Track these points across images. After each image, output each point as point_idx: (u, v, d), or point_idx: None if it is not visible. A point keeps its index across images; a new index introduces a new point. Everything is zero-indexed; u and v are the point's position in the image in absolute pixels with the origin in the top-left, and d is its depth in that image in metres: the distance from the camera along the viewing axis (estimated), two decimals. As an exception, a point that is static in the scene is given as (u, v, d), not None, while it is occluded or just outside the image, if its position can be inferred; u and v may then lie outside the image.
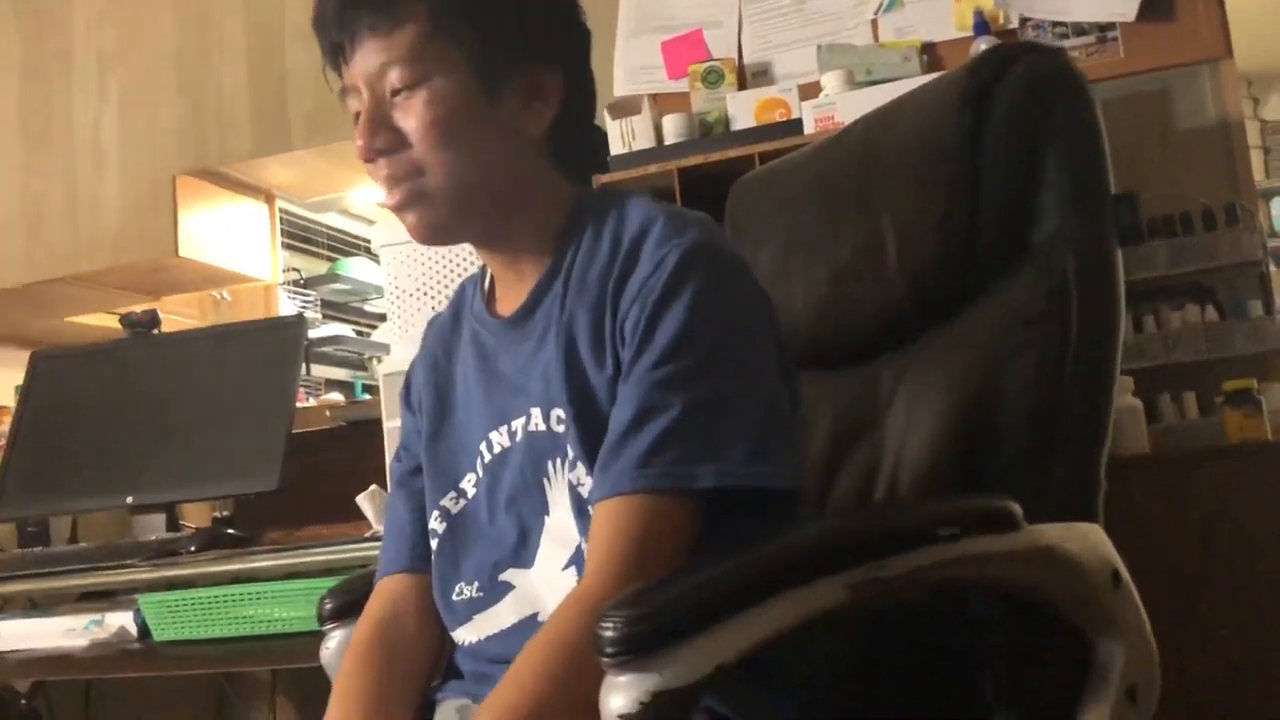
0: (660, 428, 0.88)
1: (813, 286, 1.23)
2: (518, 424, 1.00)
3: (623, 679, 0.71)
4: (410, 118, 0.95)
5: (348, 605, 1.17)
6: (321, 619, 1.19)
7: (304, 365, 4.23)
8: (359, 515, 1.92)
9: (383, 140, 0.96)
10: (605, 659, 0.72)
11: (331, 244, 4.66)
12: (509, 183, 0.99)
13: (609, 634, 0.71)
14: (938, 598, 1.00)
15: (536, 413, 0.98)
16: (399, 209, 0.98)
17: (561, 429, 0.96)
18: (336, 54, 0.98)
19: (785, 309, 1.22)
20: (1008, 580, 0.94)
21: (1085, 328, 1.02)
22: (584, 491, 0.93)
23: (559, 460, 0.96)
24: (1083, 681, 0.95)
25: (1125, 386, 2.14)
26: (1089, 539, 0.95)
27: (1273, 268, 4.50)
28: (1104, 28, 2.47)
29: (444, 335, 1.13)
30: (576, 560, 0.94)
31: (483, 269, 1.11)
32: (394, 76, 0.95)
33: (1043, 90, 1.07)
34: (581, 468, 0.93)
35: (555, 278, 1.00)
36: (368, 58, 0.96)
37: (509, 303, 1.05)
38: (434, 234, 0.99)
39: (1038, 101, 1.07)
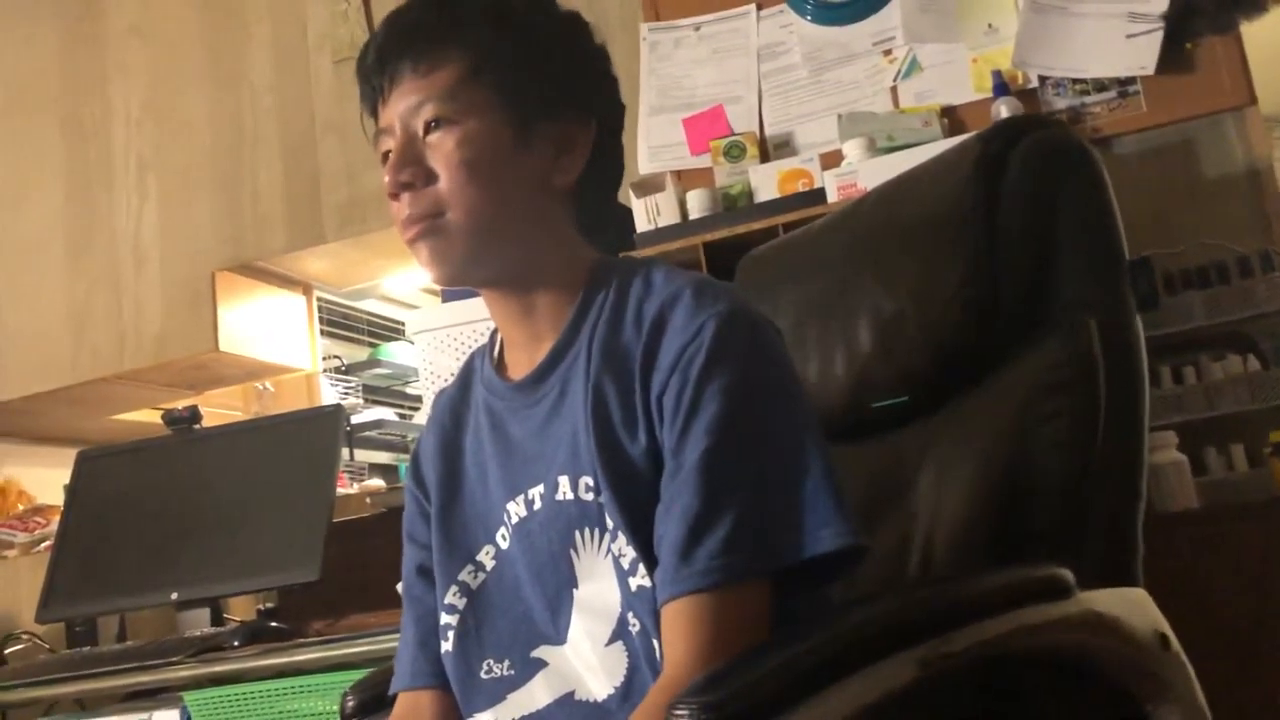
0: (735, 513, 0.85)
1: (829, 359, 1.22)
2: (535, 492, 0.98)
3: None
4: (439, 155, 0.96)
5: (371, 701, 1.16)
6: (344, 716, 1.17)
7: (348, 451, 4.27)
8: (401, 603, 1.92)
9: (409, 174, 0.96)
10: None
11: (371, 330, 4.71)
12: (529, 228, 0.99)
13: None
14: (986, 671, 0.97)
15: (564, 481, 0.95)
16: (414, 242, 0.98)
17: (590, 497, 0.93)
18: (375, 97, 1.00)
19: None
20: (1060, 648, 0.92)
21: (1113, 394, 1.02)
22: (625, 563, 0.91)
23: (590, 530, 0.94)
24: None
25: (1169, 441, 2.10)
26: (1136, 603, 0.94)
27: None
28: (1124, 82, 2.46)
29: (453, 405, 1.12)
30: (622, 634, 0.92)
31: (492, 337, 1.10)
32: (427, 112, 0.96)
33: (1050, 164, 1.10)
34: (623, 538, 0.91)
35: (573, 343, 0.99)
36: (405, 97, 0.97)
37: (520, 366, 1.03)
38: (447, 268, 0.98)
39: (1047, 175, 1.10)
